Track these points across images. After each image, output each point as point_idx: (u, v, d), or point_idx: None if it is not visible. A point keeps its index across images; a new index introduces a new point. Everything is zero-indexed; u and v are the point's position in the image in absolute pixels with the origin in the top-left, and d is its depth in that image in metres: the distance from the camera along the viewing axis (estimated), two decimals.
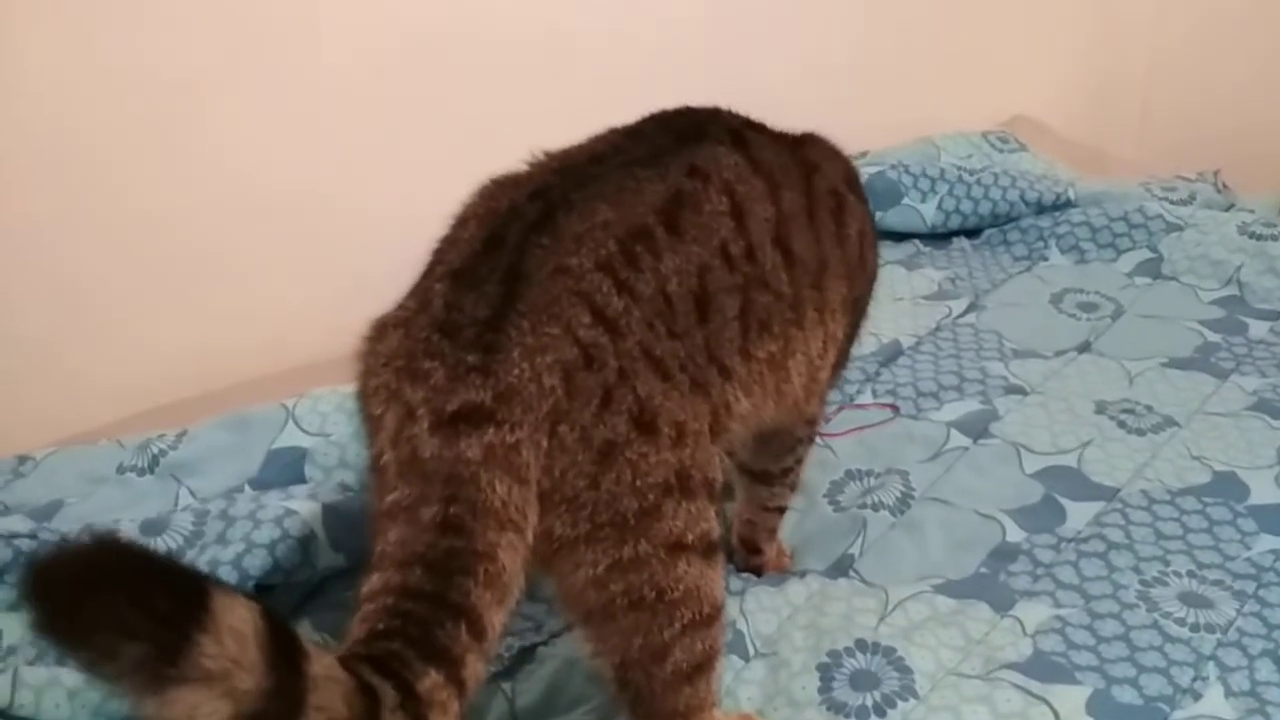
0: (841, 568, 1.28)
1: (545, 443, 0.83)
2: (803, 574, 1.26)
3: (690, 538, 0.89)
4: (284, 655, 0.65)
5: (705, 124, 1.08)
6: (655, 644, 0.90)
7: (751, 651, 1.14)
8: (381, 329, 0.91)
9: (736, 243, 0.98)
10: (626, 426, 0.86)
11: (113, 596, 0.59)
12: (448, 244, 0.96)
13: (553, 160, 1.02)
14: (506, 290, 0.86)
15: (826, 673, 1.11)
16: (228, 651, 0.62)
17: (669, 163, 0.99)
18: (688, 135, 1.04)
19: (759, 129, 1.12)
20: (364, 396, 0.90)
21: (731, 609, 1.07)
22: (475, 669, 0.78)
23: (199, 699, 0.61)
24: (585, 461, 0.85)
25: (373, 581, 0.80)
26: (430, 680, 0.74)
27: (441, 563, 0.79)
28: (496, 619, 0.80)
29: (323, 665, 0.68)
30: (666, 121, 1.08)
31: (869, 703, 1.07)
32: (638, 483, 0.86)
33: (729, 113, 1.12)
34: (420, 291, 0.92)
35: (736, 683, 1.11)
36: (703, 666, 0.94)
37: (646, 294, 0.90)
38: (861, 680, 1.10)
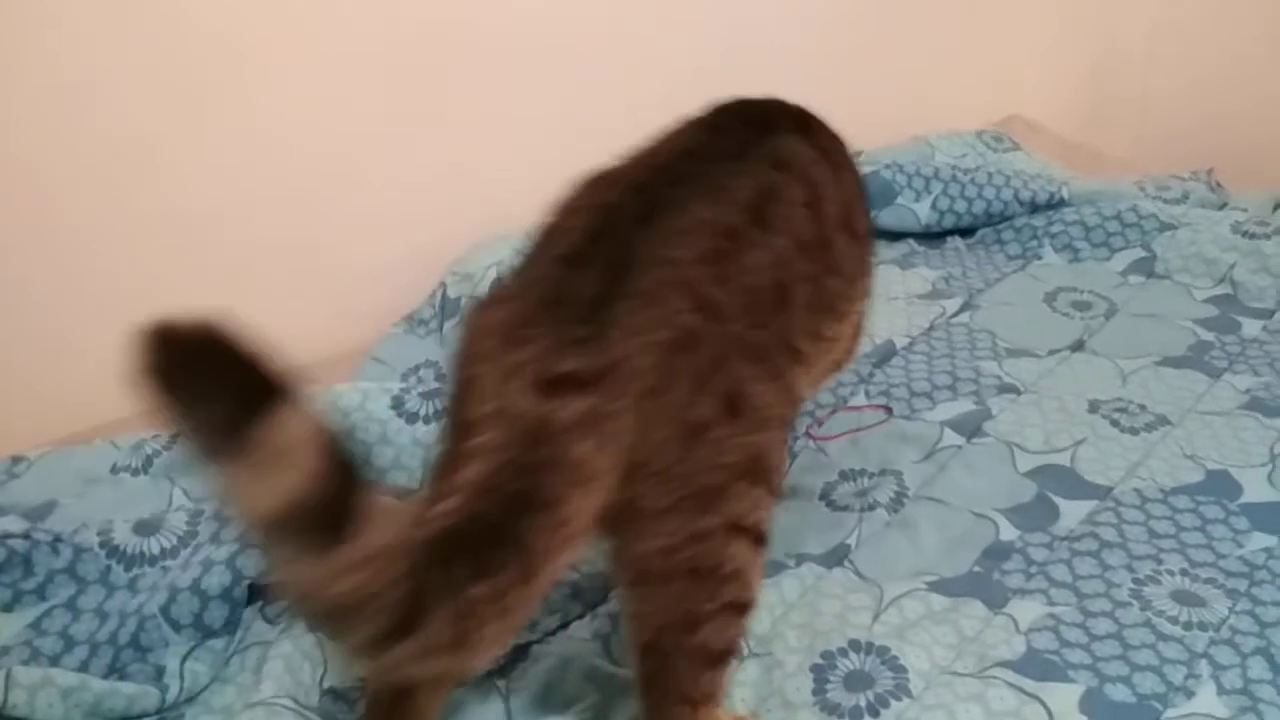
0: (837, 557, 1.28)
1: (640, 417, 0.88)
2: (798, 562, 1.27)
3: (748, 522, 0.95)
4: (345, 472, 0.71)
5: (773, 115, 1.15)
6: (696, 614, 0.95)
7: (745, 652, 1.14)
8: (488, 304, 0.97)
9: (813, 232, 1.06)
10: (717, 408, 0.92)
11: (220, 360, 0.66)
12: (553, 232, 1.00)
13: (646, 157, 1.07)
14: (612, 276, 0.91)
15: (820, 674, 1.11)
16: (294, 437, 0.67)
17: (754, 157, 1.06)
18: (763, 127, 1.11)
19: (811, 116, 1.20)
20: (463, 359, 0.93)
21: None
22: (518, 603, 0.81)
23: (260, 470, 0.67)
24: (676, 438, 0.90)
25: (434, 508, 0.82)
26: (476, 592, 0.77)
27: (511, 499, 0.82)
28: (549, 568, 0.83)
29: (381, 502, 0.73)
30: (736, 113, 1.15)
31: (863, 703, 1.07)
32: (719, 461, 0.92)
33: (783, 101, 1.18)
34: (526, 272, 0.97)
35: (730, 684, 1.10)
36: (724, 655, 0.98)
37: (739, 287, 0.96)
38: (855, 681, 1.10)
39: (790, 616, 1.19)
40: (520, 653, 1.14)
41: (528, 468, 0.83)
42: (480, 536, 0.79)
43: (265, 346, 0.68)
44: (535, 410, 0.84)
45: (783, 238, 1.01)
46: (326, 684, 1.12)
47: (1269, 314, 1.78)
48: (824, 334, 1.09)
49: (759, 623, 1.17)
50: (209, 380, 0.67)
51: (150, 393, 0.66)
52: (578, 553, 0.86)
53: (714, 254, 0.96)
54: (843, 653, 1.13)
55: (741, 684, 1.11)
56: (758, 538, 0.97)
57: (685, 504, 0.91)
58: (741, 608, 0.97)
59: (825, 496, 1.40)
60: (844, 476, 1.43)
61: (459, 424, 0.89)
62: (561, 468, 0.83)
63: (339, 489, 0.71)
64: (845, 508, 1.37)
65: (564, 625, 1.19)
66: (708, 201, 0.99)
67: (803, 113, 1.17)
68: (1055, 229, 2.04)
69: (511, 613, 0.81)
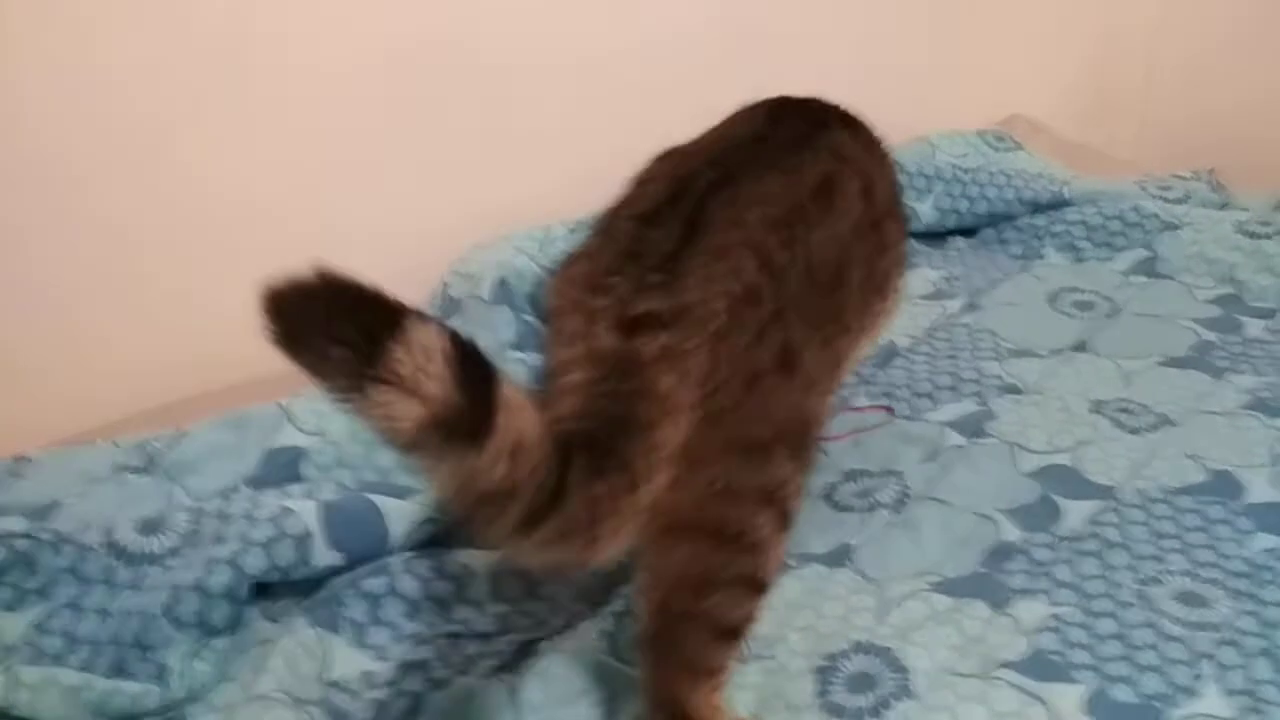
0: (839, 557, 1.28)
1: (708, 358, 0.94)
2: (800, 563, 1.26)
3: (779, 495, 1.00)
4: (474, 375, 0.73)
5: (822, 112, 1.25)
6: (710, 577, 0.98)
7: (748, 653, 1.14)
8: (569, 262, 1.04)
9: (868, 218, 1.14)
10: (773, 359, 0.98)
11: (328, 312, 0.69)
12: (633, 195, 1.09)
13: (713, 138, 1.17)
14: (687, 232, 0.99)
15: (823, 676, 1.11)
16: (416, 360, 0.70)
17: (816, 148, 1.15)
18: (817, 123, 1.20)
19: (852, 114, 1.28)
20: (552, 312, 1.01)
21: None
22: (624, 511, 0.84)
23: (393, 398, 0.70)
24: (738, 382, 0.96)
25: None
26: (594, 490, 0.82)
27: (609, 425, 0.87)
28: (646, 486, 0.86)
29: (515, 394, 0.77)
30: (789, 109, 1.24)
31: (865, 704, 1.07)
32: (769, 413, 0.98)
33: (825, 101, 1.27)
34: (606, 229, 1.06)
35: (732, 686, 1.10)
36: (731, 631, 1.01)
37: (801, 257, 1.03)
38: (859, 683, 1.10)
39: (793, 619, 1.19)
40: (527, 648, 1.14)
41: (621, 395, 0.89)
42: (588, 448, 0.82)
43: (371, 283, 0.71)
44: (620, 347, 0.91)
45: (843, 222, 1.10)
46: (330, 676, 1.13)
47: (1271, 314, 1.78)
48: (872, 309, 1.18)
49: (762, 624, 1.17)
50: (335, 326, 0.69)
51: (285, 355, 0.69)
52: (660, 483, 0.89)
53: (783, 223, 1.03)
54: (845, 655, 1.13)
55: (744, 688, 1.11)
56: (784, 517, 1.01)
57: (731, 451, 0.96)
58: (755, 584, 1.00)
59: (828, 497, 1.40)
60: (846, 477, 1.43)
61: (551, 369, 0.94)
62: (653, 397, 0.89)
63: (475, 389, 0.73)
64: (848, 508, 1.37)
65: (570, 624, 1.19)
66: (778, 178, 1.07)
67: (845, 111, 1.26)
68: (1057, 229, 2.04)
69: (622, 517, 0.84)
